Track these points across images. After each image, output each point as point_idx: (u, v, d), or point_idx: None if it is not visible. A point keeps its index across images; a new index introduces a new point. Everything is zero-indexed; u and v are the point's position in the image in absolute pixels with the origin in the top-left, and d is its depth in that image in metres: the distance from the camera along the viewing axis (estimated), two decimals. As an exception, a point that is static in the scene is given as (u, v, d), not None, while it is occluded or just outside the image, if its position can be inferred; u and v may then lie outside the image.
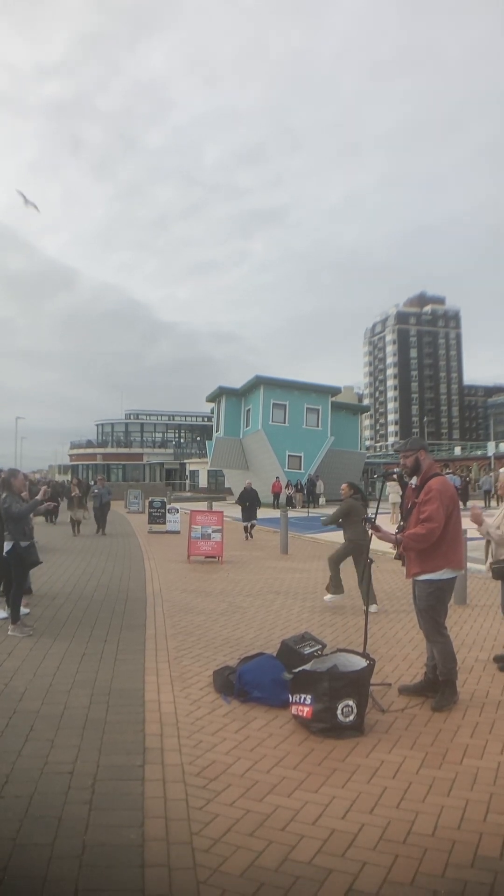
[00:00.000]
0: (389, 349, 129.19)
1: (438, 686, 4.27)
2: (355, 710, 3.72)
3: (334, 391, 37.97)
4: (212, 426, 44.61)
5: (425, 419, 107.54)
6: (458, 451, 63.11)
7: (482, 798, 2.98)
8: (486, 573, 5.42)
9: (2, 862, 2.41)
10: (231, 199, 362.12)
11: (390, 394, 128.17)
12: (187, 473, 62.35)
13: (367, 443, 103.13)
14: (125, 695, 4.36)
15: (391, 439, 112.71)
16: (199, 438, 70.86)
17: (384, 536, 4.49)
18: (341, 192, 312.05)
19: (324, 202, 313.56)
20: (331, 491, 31.22)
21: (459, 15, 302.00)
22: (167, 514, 18.60)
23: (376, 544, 4.88)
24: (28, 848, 2.52)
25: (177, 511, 19.03)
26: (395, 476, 5.98)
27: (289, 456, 34.05)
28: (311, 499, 31.60)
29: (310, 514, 25.22)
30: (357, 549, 7.63)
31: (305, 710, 3.77)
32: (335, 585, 7.65)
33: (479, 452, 55.34)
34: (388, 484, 16.29)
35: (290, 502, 29.62)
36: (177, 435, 77.17)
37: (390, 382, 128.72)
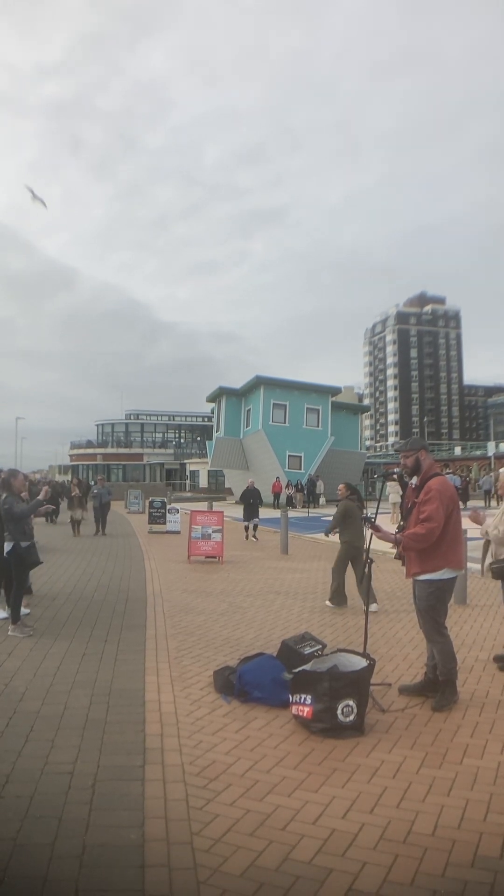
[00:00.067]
0: (389, 349, 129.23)
1: (438, 686, 4.27)
2: (355, 710, 3.72)
3: (334, 391, 38.00)
4: (212, 426, 44.64)
5: (425, 419, 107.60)
6: (458, 450, 63.09)
7: (482, 798, 2.98)
8: (483, 573, 5.39)
9: (2, 862, 2.41)
10: (231, 199, 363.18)
11: (390, 394, 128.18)
12: (187, 473, 62.35)
13: (368, 443, 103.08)
14: (125, 695, 4.36)
15: (391, 439, 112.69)
16: (199, 438, 70.91)
17: (384, 536, 4.49)
18: (341, 192, 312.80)
19: (324, 202, 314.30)
20: (331, 491, 31.13)
21: (459, 15, 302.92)
22: (167, 515, 18.59)
23: (376, 544, 4.87)
24: (28, 848, 2.52)
25: (177, 511, 19.02)
26: (395, 476, 5.99)
27: (289, 456, 34.08)
28: (311, 499, 31.62)
29: (310, 514, 25.23)
30: (355, 552, 7.64)
31: (306, 710, 3.77)
32: (338, 596, 7.61)
33: (479, 452, 55.31)
34: (389, 484, 16.29)
35: (290, 502, 29.65)
36: (177, 435, 77.21)
37: (390, 382, 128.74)
